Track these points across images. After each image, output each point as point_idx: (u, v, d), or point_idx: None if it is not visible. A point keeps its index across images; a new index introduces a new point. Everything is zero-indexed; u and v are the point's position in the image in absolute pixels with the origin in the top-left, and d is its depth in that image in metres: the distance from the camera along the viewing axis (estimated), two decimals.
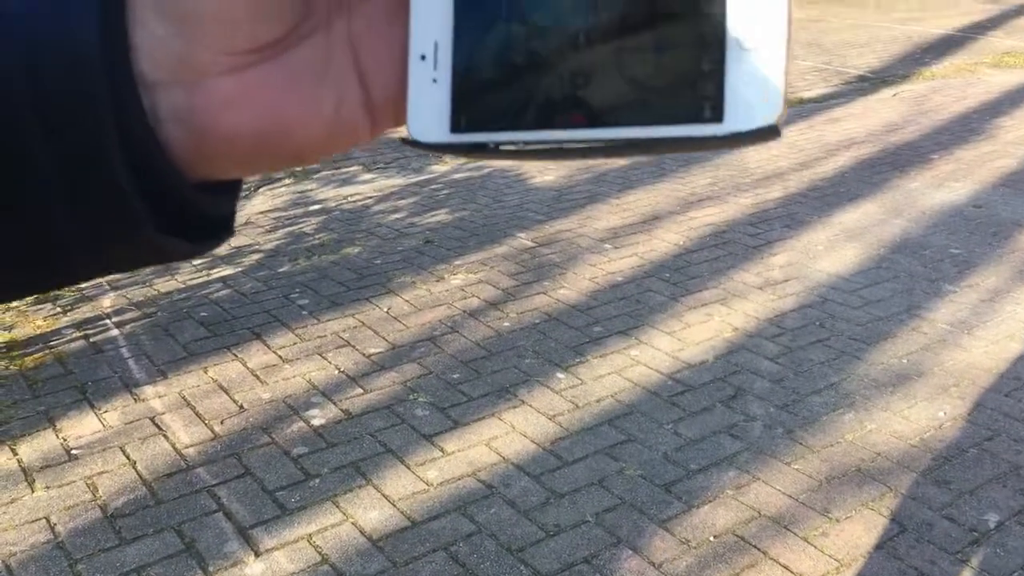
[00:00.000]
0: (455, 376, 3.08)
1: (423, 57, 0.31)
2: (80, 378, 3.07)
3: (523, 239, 4.27)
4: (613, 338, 3.32)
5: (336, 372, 3.12)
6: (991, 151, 5.40)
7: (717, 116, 0.28)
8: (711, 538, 2.31)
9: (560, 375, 3.08)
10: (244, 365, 3.17)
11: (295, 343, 3.32)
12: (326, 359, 3.21)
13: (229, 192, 0.33)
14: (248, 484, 2.53)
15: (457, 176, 5.23)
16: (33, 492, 2.51)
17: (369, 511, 2.43)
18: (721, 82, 0.28)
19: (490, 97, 0.31)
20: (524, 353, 3.23)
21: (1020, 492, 2.46)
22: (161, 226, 0.30)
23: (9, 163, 0.28)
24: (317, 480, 2.55)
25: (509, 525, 2.36)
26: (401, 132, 0.32)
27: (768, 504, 2.43)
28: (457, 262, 4.03)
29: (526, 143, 0.30)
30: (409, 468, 2.60)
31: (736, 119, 0.28)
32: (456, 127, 0.31)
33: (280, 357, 3.23)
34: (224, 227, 0.33)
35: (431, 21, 0.31)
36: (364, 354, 3.24)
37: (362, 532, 2.35)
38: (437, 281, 3.84)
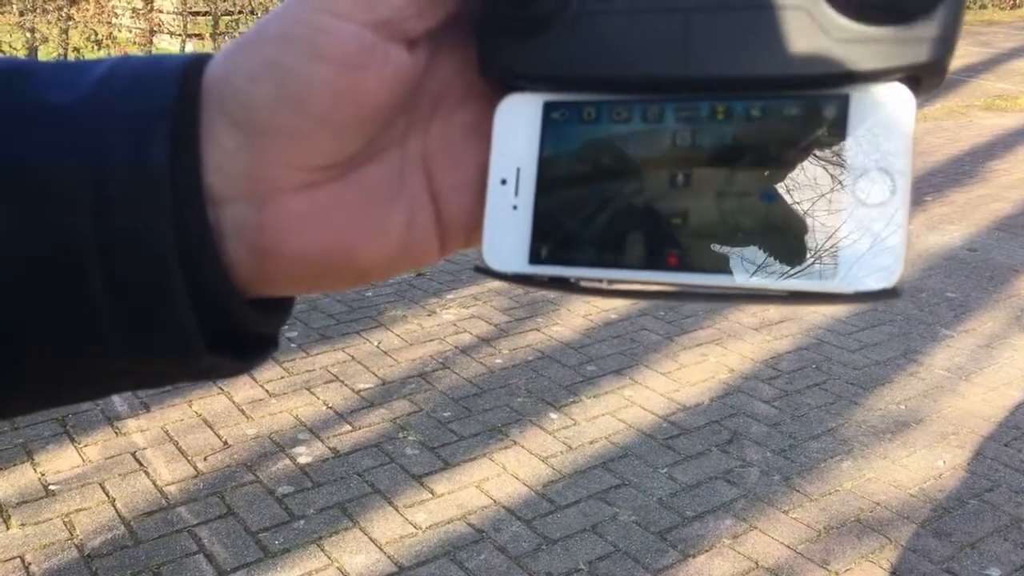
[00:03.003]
0: (446, 414, 3.02)
1: (503, 181, 0.29)
2: (60, 410, 2.99)
3: None
4: (607, 377, 3.27)
5: (324, 408, 3.06)
6: (985, 194, 5.40)
7: (828, 273, 0.26)
8: None
9: (553, 415, 3.02)
10: (230, 399, 3.10)
11: (283, 377, 3.26)
12: (314, 394, 3.14)
13: (280, 310, 0.31)
14: (231, 524, 2.46)
15: None
16: (8, 529, 2.43)
17: (355, 555, 2.35)
18: (836, 236, 0.26)
19: (575, 229, 0.29)
20: (516, 391, 3.17)
21: (1021, 546, 2.41)
22: (211, 345, 0.28)
23: (61, 273, 0.26)
24: (302, 521, 2.48)
25: (500, 573, 2.29)
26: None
27: (766, 555, 2.36)
28: (449, 296, 3.98)
29: (611, 281, 0.28)
30: (397, 510, 2.53)
31: (848, 278, 0.25)
32: (535, 258, 0.29)
33: (267, 391, 3.16)
34: (272, 341, 0.31)
35: (515, 144, 0.29)
36: (353, 389, 3.18)
37: None
38: (429, 315, 3.78)
